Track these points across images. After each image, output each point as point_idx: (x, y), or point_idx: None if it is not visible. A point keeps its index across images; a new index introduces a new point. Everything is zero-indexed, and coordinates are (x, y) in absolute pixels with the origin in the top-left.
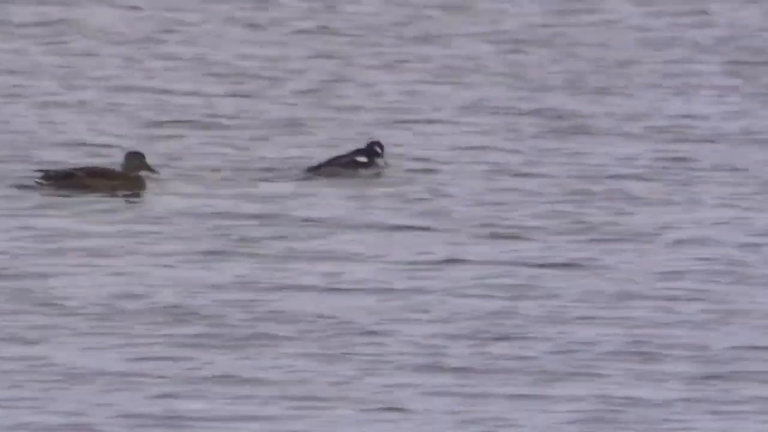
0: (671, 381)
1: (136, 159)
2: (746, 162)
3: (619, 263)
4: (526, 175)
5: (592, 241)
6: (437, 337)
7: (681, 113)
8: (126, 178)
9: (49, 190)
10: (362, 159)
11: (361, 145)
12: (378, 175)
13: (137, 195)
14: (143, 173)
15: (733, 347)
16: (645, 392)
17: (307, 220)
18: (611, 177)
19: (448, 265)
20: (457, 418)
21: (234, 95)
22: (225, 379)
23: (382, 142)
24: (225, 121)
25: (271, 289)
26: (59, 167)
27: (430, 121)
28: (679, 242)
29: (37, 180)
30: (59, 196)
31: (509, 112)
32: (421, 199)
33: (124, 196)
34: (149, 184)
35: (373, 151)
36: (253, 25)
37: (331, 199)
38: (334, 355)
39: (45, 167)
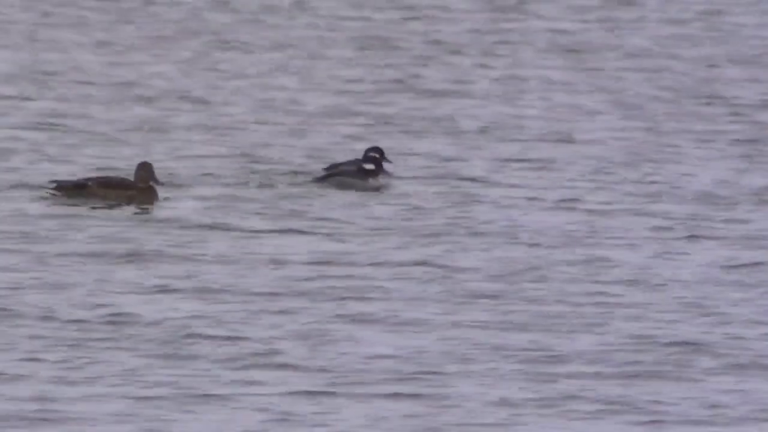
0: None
1: (145, 170)
2: (566, 159)
3: (453, 263)
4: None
5: (421, 245)
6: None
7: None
8: (138, 189)
9: (61, 200)
10: (370, 166)
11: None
12: (386, 181)
13: (149, 205)
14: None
15: (572, 350)
16: (465, 391)
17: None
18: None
19: (273, 266)
20: (272, 415)
21: None
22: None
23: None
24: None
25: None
26: (72, 178)
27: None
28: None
29: (49, 190)
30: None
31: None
32: (251, 199)
33: (137, 206)
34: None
35: (374, 158)
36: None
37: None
38: (166, 356)
39: (57, 178)
